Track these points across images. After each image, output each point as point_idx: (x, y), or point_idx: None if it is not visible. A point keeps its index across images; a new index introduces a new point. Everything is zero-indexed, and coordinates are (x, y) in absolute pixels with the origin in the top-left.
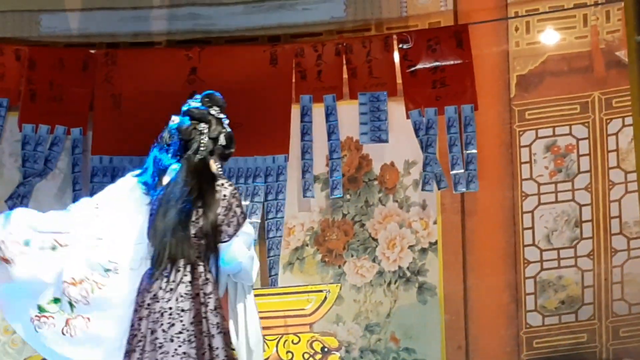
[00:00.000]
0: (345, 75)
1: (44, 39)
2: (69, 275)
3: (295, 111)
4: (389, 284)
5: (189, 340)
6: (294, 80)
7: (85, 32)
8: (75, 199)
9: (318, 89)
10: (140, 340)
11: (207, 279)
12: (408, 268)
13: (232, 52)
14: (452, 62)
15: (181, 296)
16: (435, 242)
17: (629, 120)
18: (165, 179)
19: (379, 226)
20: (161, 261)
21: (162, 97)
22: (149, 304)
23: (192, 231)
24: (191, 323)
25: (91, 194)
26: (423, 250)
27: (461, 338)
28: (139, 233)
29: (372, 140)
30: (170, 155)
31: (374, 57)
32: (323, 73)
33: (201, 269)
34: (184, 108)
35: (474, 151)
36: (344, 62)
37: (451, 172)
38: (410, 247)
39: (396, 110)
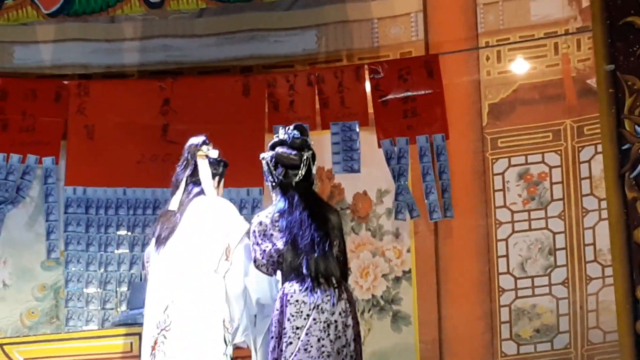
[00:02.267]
0: (317, 106)
1: (17, 70)
2: None
3: (268, 142)
4: (363, 312)
5: (351, 357)
6: (266, 110)
7: (58, 63)
8: (49, 230)
9: (290, 119)
10: (298, 347)
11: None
12: (382, 297)
13: (205, 82)
14: (423, 92)
15: (344, 312)
16: (409, 271)
17: (601, 147)
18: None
19: (352, 255)
20: (314, 276)
21: (136, 128)
22: (308, 315)
23: (334, 252)
24: (353, 340)
25: (65, 225)
26: (397, 279)
27: None
28: None
29: (344, 170)
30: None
31: (345, 87)
32: (295, 103)
33: (344, 287)
34: (282, 137)
35: (448, 180)
36: (316, 92)
37: (426, 201)
38: (384, 275)
39: (368, 140)
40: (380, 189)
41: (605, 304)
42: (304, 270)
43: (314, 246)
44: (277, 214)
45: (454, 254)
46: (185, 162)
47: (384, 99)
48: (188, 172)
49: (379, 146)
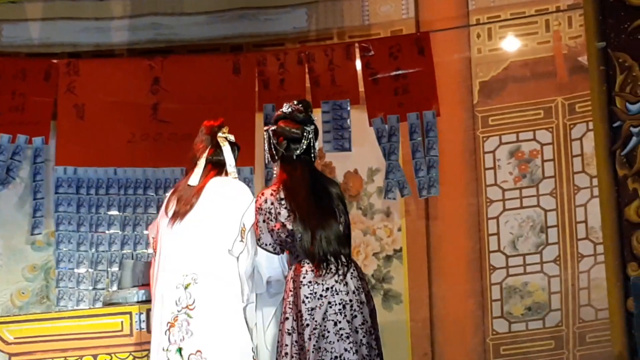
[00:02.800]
0: (307, 84)
1: (6, 49)
2: None
3: (259, 120)
4: None
5: (370, 332)
6: (257, 89)
7: (47, 42)
8: (36, 208)
9: (281, 98)
10: (315, 329)
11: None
12: (373, 275)
13: (195, 61)
14: (414, 70)
15: (357, 289)
16: (400, 250)
17: (592, 125)
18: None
19: None
20: (324, 255)
21: (126, 107)
22: (322, 296)
23: (341, 228)
24: (370, 315)
25: (56, 205)
26: (388, 258)
27: (427, 345)
28: None
29: (335, 148)
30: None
31: (336, 66)
32: (286, 82)
33: (354, 264)
34: (286, 111)
35: (436, 155)
36: (307, 70)
37: (415, 178)
38: (375, 254)
39: (359, 118)
40: (371, 168)
41: (597, 282)
42: (315, 250)
43: (323, 224)
44: (282, 192)
45: (444, 232)
46: (205, 142)
47: (374, 77)
48: (207, 152)
49: (370, 124)
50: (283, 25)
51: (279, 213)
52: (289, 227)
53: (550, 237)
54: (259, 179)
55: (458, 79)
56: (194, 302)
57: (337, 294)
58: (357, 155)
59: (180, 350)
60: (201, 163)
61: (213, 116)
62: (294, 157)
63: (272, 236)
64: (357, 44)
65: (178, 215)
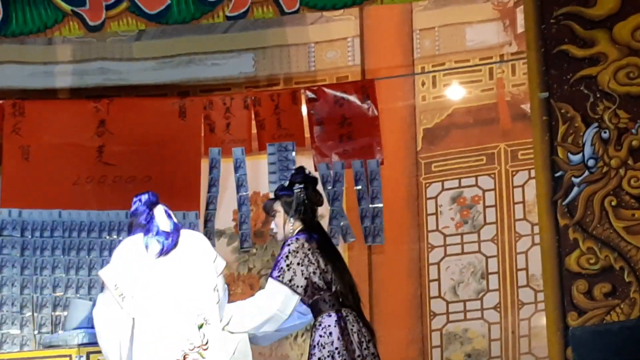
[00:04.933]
0: (253, 131)
1: None
2: None
3: (204, 164)
4: (295, 337)
5: None
6: (202, 133)
7: None
8: None
9: (226, 142)
10: None
11: None
12: None
13: (141, 104)
14: (359, 117)
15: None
16: None
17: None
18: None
19: None
20: (355, 304)
21: (72, 149)
22: (367, 347)
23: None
24: None
25: (0, 249)
26: None
27: None
28: None
29: None
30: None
31: (282, 110)
32: (232, 126)
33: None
34: (313, 176)
35: (380, 205)
36: (253, 115)
37: (362, 226)
38: None
39: (304, 163)
40: None
41: (537, 330)
42: (350, 300)
43: (352, 279)
44: (314, 242)
45: (386, 277)
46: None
47: (320, 122)
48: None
49: (315, 169)
50: (230, 70)
51: (318, 260)
52: (329, 276)
53: (491, 284)
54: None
55: (402, 125)
56: (207, 343)
57: (370, 342)
58: None
59: None
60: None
61: (159, 159)
62: (314, 220)
63: (306, 280)
64: (303, 90)
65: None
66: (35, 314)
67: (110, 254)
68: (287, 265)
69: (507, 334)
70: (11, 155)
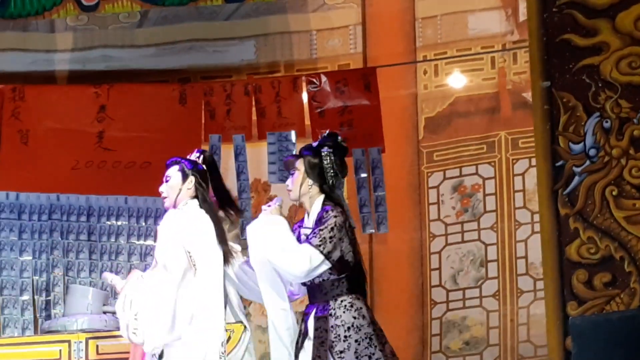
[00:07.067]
0: (254, 117)
1: None
2: None
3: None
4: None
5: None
6: (203, 120)
7: None
8: None
9: (227, 129)
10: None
11: None
12: None
13: (142, 90)
14: (359, 104)
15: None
16: None
17: (535, 160)
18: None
19: None
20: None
21: (71, 134)
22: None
23: None
24: None
25: None
26: None
27: None
28: None
29: (280, 180)
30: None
31: (282, 98)
32: (232, 112)
33: None
34: (342, 145)
35: (383, 193)
36: (253, 102)
37: (360, 214)
38: None
39: None
40: None
41: (536, 318)
42: (364, 286)
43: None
44: (349, 222)
45: (387, 266)
46: None
47: (320, 110)
48: None
49: None
50: (231, 57)
51: (352, 241)
52: (358, 253)
53: (490, 272)
54: None
55: (404, 114)
56: None
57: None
58: None
59: None
60: None
61: (159, 145)
62: (334, 189)
63: (341, 254)
64: (304, 77)
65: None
66: (35, 297)
67: (109, 239)
68: (330, 238)
69: (506, 322)
70: (9, 139)
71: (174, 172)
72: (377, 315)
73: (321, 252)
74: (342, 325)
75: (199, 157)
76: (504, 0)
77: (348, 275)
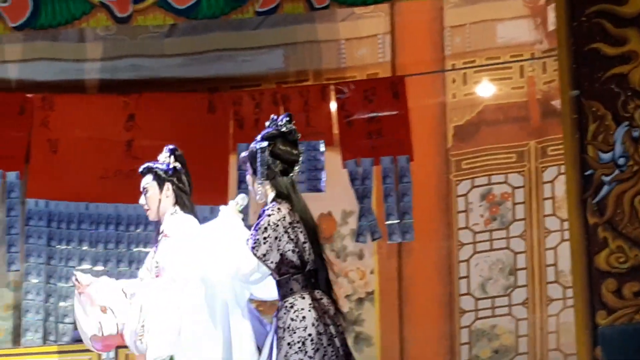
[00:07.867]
0: None
1: None
2: None
3: (233, 160)
4: None
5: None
6: (231, 129)
7: (27, 82)
8: (10, 243)
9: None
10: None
11: None
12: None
13: (171, 99)
14: (388, 113)
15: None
16: (372, 292)
17: (564, 168)
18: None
19: None
20: (328, 288)
21: (100, 143)
22: (339, 324)
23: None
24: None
25: (26, 238)
26: (360, 300)
27: None
28: None
29: (308, 189)
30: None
31: (311, 106)
32: (261, 122)
33: None
34: (283, 130)
35: (410, 202)
36: (282, 111)
37: (386, 223)
38: (347, 296)
39: (333, 160)
40: (345, 210)
41: (566, 326)
42: (323, 283)
43: (326, 261)
44: (295, 215)
45: (416, 275)
46: None
47: (349, 119)
48: None
49: (344, 166)
50: (260, 66)
51: (298, 237)
52: (307, 254)
53: (519, 280)
54: None
55: (432, 123)
56: None
57: (340, 325)
58: (330, 197)
59: None
60: None
61: (187, 154)
62: (290, 179)
63: (281, 257)
64: (332, 86)
65: None
66: (60, 304)
67: (137, 247)
68: (264, 239)
69: (535, 330)
70: (39, 148)
71: (149, 182)
72: (405, 324)
73: (254, 254)
74: (282, 326)
75: (169, 157)
76: (533, 9)
77: (294, 274)
